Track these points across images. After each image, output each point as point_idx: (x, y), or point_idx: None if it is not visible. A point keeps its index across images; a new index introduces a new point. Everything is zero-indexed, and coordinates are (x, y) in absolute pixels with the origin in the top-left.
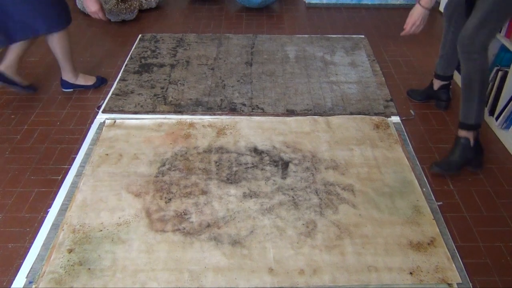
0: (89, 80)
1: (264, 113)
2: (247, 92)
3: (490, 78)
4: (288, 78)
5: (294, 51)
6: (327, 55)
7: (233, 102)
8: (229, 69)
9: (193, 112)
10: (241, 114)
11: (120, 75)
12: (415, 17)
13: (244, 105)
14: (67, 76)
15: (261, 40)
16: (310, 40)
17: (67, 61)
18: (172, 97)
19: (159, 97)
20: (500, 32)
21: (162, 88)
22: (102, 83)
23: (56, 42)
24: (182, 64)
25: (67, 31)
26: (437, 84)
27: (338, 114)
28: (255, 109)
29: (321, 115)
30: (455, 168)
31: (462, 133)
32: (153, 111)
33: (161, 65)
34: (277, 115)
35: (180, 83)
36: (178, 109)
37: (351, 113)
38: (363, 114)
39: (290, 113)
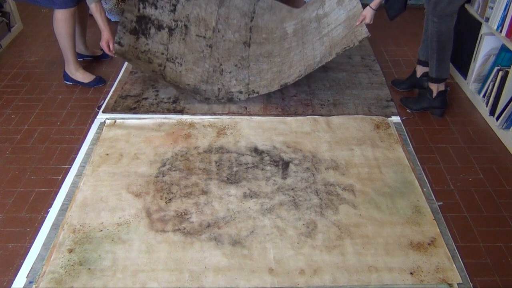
0: (87, 78)
1: (263, 108)
2: (244, 79)
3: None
4: (285, 55)
5: (292, 25)
6: (320, 10)
7: (231, 91)
8: (227, 49)
9: (194, 112)
10: (239, 115)
11: (117, 32)
12: (365, 15)
13: (241, 92)
14: (68, 67)
15: (261, 8)
16: (306, 7)
17: (68, 49)
18: (170, 78)
19: (157, 74)
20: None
21: (160, 65)
22: (99, 83)
23: (57, 23)
24: (181, 30)
25: (72, 16)
26: (419, 70)
27: (325, 63)
28: (251, 94)
29: (310, 72)
30: (415, 109)
31: (430, 85)
32: (153, 87)
33: (159, 27)
34: (278, 115)
35: (178, 63)
36: (177, 91)
37: (337, 54)
38: (346, 48)
39: (283, 86)
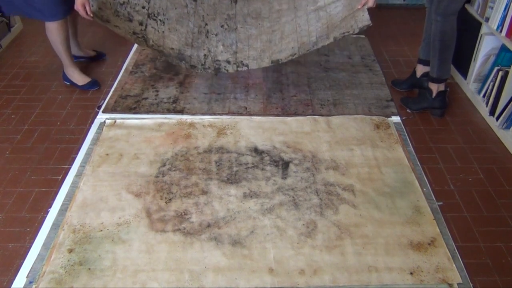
0: (82, 80)
1: (263, 108)
2: (232, 44)
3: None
4: (274, 18)
5: None
6: None
7: (217, 60)
8: (213, 5)
9: (194, 112)
10: (239, 115)
11: None
12: None
13: (229, 62)
14: (65, 69)
15: None
16: None
17: (62, 53)
18: (153, 41)
19: (139, 37)
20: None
21: (141, 23)
22: (93, 86)
23: (50, 33)
24: None
25: (64, 25)
26: (420, 70)
27: (321, 45)
28: (240, 66)
29: (305, 53)
30: (415, 109)
31: (429, 84)
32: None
33: None
34: (278, 115)
35: (161, 20)
36: (161, 56)
37: (335, 39)
38: (345, 33)
39: (275, 63)
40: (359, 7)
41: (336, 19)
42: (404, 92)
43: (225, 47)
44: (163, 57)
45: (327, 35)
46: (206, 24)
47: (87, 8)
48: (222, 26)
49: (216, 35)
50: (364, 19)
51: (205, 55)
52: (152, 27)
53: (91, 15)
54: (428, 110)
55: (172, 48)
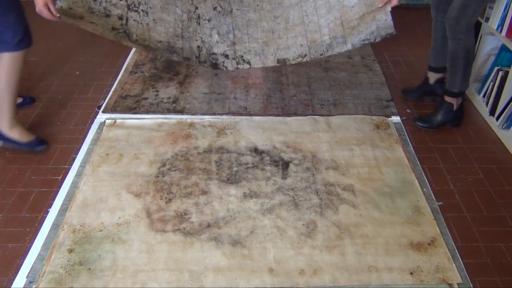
0: (25, 138)
1: (263, 108)
2: (228, 32)
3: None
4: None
5: None
6: None
7: (213, 52)
8: None
9: (194, 112)
10: (239, 115)
11: None
12: None
13: (227, 57)
14: (1, 123)
15: None
16: None
17: (7, 99)
18: (136, 35)
19: (120, 32)
20: (482, 14)
21: (121, 18)
22: (37, 145)
23: (2, 65)
24: None
25: (24, 57)
26: (432, 77)
27: (338, 52)
28: (241, 63)
29: (319, 57)
30: (436, 126)
31: (448, 98)
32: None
33: None
34: (278, 115)
35: (143, 10)
36: (148, 51)
37: (353, 46)
38: (367, 41)
39: (281, 63)
40: (380, 5)
41: (351, 14)
42: (414, 100)
43: (220, 36)
44: (150, 52)
45: (343, 38)
46: (196, 8)
47: (51, 7)
48: (215, 9)
49: (209, 20)
50: (387, 25)
51: (198, 46)
52: (134, 20)
53: (57, 14)
54: (448, 125)
55: (160, 41)
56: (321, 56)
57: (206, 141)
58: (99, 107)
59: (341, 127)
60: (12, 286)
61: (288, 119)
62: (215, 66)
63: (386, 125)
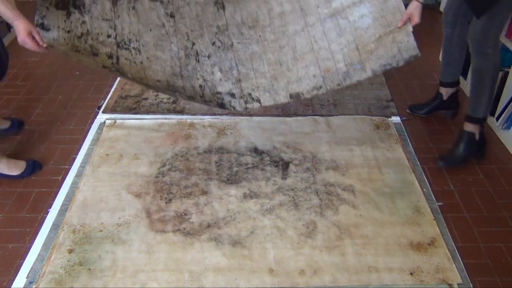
0: (15, 168)
1: (263, 108)
2: (231, 68)
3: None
4: (278, 27)
5: None
6: None
7: (218, 91)
8: (196, 17)
9: (194, 112)
10: (239, 115)
11: (36, 9)
12: (410, 13)
13: (233, 96)
14: None
15: None
16: None
17: None
18: (131, 74)
19: (112, 70)
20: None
21: (110, 56)
22: (31, 172)
23: None
24: None
25: None
26: (445, 92)
27: (357, 81)
28: (249, 102)
29: (336, 88)
30: (460, 161)
31: (469, 126)
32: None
33: None
34: (278, 116)
35: (135, 48)
36: (148, 88)
37: (373, 72)
38: (389, 67)
39: (295, 98)
40: (400, 25)
41: (366, 37)
42: (424, 116)
43: (223, 73)
44: (152, 89)
45: (361, 64)
46: (194, 44)
47: (36, 36)
48: (214, 44)
49: (208, 56)
50: (411, 46)
51: (200, 85)
52: (125, 58)
53: (45, 45)
54: (473, 157)
55: (159, 80)
56: (339, 87)
57: (206, 141)
58: (99, 107)
59: (341, 128)
60: (12, 286)
61: (288, 119)
62: (221, 106)
63: (386, 125)
